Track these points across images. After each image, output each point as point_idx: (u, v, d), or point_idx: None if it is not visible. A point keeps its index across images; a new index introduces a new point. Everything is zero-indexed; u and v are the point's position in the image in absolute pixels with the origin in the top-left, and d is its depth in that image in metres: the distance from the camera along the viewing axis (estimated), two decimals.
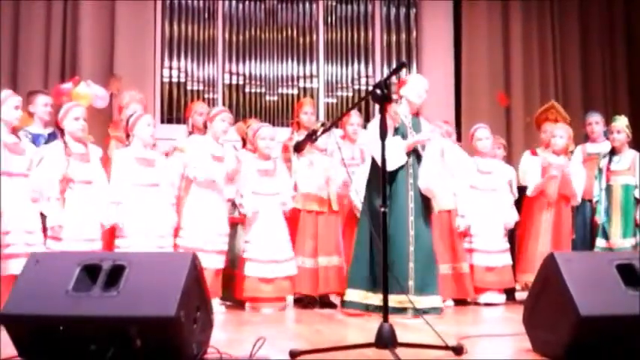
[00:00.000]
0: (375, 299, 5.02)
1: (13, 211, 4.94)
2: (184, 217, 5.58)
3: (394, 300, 4.73)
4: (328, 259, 5.93)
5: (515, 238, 6.63)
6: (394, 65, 9.10)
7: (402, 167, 5.21)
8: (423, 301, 5.09)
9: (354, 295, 5.23)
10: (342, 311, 5.35)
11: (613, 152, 6.38)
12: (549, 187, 6.32)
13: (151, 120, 5.60)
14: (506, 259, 6.26)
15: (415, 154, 5.33)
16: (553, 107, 7.11)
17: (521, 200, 6.59)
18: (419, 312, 4.75)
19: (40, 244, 5.03)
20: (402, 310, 4.89)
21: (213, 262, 5.51)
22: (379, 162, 4.86)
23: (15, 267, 4.76)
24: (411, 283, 5.07)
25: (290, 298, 6.07)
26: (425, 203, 5.30)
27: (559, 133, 6.50)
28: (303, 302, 6.01)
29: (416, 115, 5.49)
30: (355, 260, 5.31)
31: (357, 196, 5.66)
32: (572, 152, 6.70)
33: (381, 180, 3.53)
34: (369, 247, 5.19)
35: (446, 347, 3.30)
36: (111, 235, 5.39)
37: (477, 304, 6.17)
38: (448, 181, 5.87)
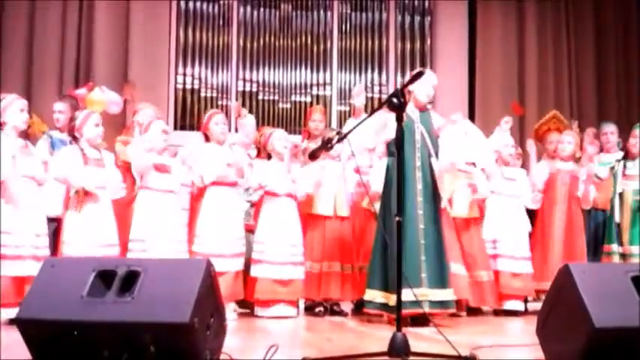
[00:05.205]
0: (393, 299, 4.94)
1: (20, 213, 4.95)
2: (200, 223, 5.56)
3: (409, 294, 4.59)
4: (329, 265, 5.93)
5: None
6: (408, 73, 9.09)
7: (410, 162, 5.21)
8: (437, 294, 5.10)
9: (372, 295, 5.25)
10: (365, 310, 5.35)
11: (626, 158, 6.37)
12: (559, 189, 6.32)
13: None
14: (529, 267, 6.22)
15: (424, 147, 5.31)
16: (555, 117, 7.05)
17: (534, 210, 6.57)
18: (434, 305, 4.97)
19: (45, 247, 5.05)
20: (416, 304, 4.77)
21: (232, 265, 5.50)
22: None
23: (19, 269, 4.81)
24: (424, 275, 5.08)
25: (301, 306, 6.06)
26: (433, 197, 5.29)
27: (567, 139, 6.48)
28: (314, 310, 6.00)
29: (424, 109, 5.44)
30: (372, 261, 5.33)
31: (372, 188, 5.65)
32: (579, 159, 6.66)
33: (397, 189, 3.52)
34: (384, 249, 5.19)
35: (459, 357, 3.28)
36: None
37: (495, 311, 6.15)
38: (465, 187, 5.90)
